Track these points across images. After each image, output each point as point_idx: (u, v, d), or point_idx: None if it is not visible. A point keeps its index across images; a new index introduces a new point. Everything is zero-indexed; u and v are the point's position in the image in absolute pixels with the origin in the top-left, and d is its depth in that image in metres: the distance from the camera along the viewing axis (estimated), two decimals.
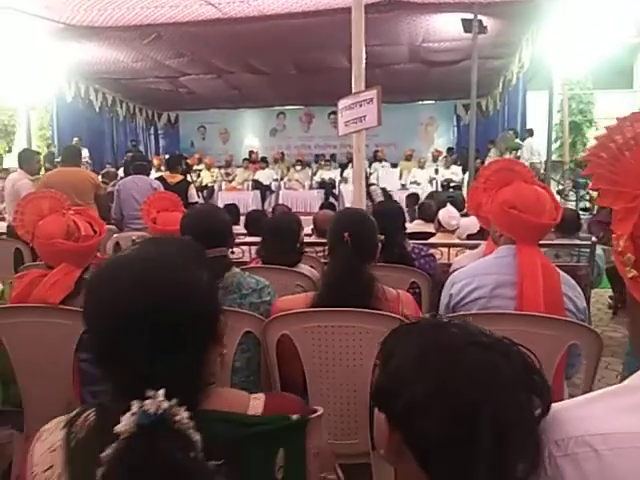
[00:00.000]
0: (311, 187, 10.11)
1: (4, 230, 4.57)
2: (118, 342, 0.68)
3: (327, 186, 9.27)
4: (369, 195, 7.24)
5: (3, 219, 5.96)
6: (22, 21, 6.34)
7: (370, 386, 1.51)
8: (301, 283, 2.26)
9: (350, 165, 9.82)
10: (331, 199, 8.42)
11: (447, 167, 9.66)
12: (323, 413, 0.78)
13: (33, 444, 0.75)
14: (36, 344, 1.63)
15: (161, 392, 0.63)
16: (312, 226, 3.07)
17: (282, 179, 10.50)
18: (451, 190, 8.33)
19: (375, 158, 10.15)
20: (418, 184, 9.10)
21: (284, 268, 2.24)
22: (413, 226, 3.72)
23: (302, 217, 2.57)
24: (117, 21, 6.81)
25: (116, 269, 0.73)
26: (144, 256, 0.74)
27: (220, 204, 9.65)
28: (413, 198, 6.70)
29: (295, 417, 0.73)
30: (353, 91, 3.17)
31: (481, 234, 2.98)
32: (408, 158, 10.26)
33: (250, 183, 10.32)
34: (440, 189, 8.63)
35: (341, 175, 9.96)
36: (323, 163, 10.73)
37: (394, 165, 10.38)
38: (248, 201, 9.56)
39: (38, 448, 0.74)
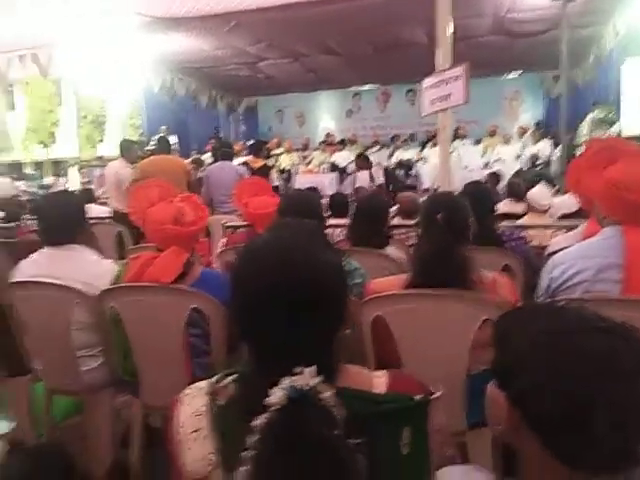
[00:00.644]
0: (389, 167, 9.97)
1: (105, 214, 4.98)
2: (260, 319, 0.74)
3: (405, 167, 9.12)
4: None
5: (104, 204, 6.47)
6: (112, 15, 6.74)
7: (468, 368, 1.52)
8: (388, 265, 2.28)
9: (429, 144, 9.59)
10: (409, 180, 8.29)
11: (535, 143, 9.14)
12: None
13: (177, 407, 0.83)
14: (150, 320, 1.78)
15: (310, 369, 0.68)
16: (397, 207, 3.07)
17: None
18: (539, 168, 7.90)
19: (456, 136, 9.79)
20: (502, 161, 8.70)
21: (372, 251, 2.27)
22: (501, 207, 3.60)
23: None
24: (200, 11, 7.07)
25: (258, 251, 0.78)
26: (281, 239, 0.80)
27: (298, 187, 9.82)
28: (494, 177, 6.45)
29: (419, 397, 0.76)
30: (438, 68, 3.11)
31: (579, 214, 2.83)
32: (492, 134, 9.82)
33: (327, 165, 10.37)
34: (527, 166, 8.20)
35: (419, 155, 9.74)
36: (400, 143, 10.54)
37: (476, 143, 9.98)
38: (325, 183, 9.61)
39: (182, 411, 0.81)
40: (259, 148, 5.64)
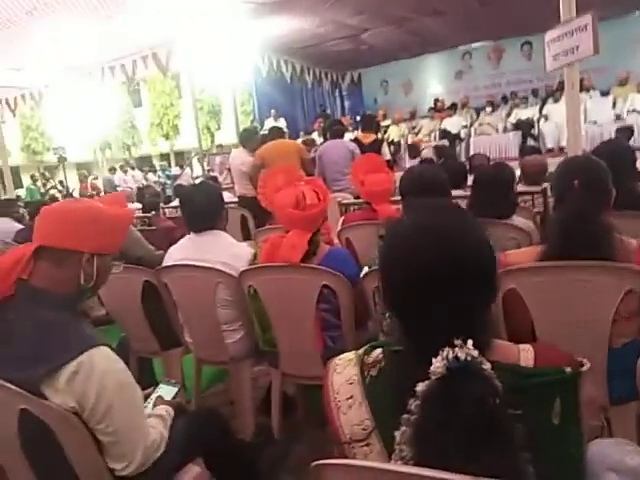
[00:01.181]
0: (505, 130, 9.36)
1: (229, 200, 5.33)
2: (422, 297, 0.77)
3: (524, 127, 8.50)
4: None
5: (225, 189, 6.92)
6: (220, 6, 7.03)
7: (610, 341, 1.44)
8: (515, 235, 2.19)
9: (551, 100, 8.83)
10: (530, 141, 7.73)
11: None
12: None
13: (330, 375, 0.90)
14: (284, 296, 1.91)
15: (469, 342, 0.71)
16: (519, 172, 2.90)
17: (472, 125, 9.94)
18: None
19: (580, 88, 8.87)
20: (638, 112, 7.75)
21: (496, 221, 2.19)
22: None
23: None
24: None
25: (412, 233, 0.81)
26: (431, 219, 0.82)
27: (408, 159, 9.63)
28: (626, 132, 5.80)
29: (569, 370, 0.76)
30: (562, 19, 2.85)
31: None
32: (623, 82, 8.75)
33: (437, 133, 10.03)
34: None
35: (540, 112, 9.00)
36: (518, 101, 9.80)
37: (604, 93, 8.98)
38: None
39: (336, 379, 0.88)
40: (368, 122, 5.61)
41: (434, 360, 0.71)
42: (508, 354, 0.81)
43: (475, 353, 0.71)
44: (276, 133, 5.14)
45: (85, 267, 1.24)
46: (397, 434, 0.75)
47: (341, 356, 0.93)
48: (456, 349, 0.71)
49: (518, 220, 2.25)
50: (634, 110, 7.97)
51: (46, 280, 1.20)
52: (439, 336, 0.73)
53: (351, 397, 0.85)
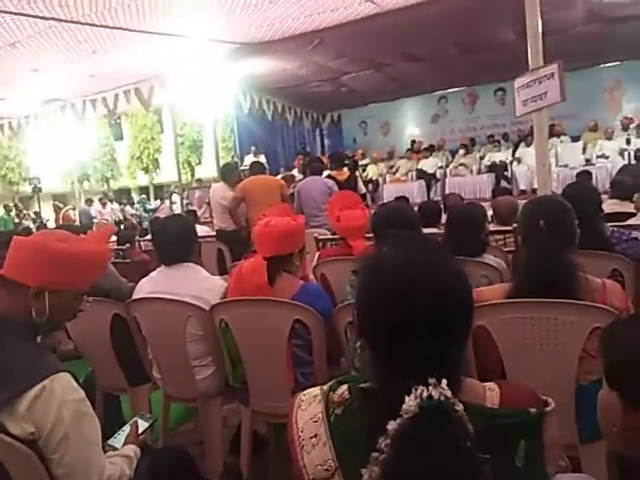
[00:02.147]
0: (480, 172, 9.64)
1: (205, 234, 5.31)
2: (402, 334, 0.74)
3: (498, 169, 8.76)
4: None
5: (204, 223, 6.91)
6: (203, 46, 7.21)
7: (577, 378, 1.45)
8: (486, 273, 2.22)
9: (523, 144, 9.15)
10: (503, 183, 7.95)
11: None
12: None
13: (295, 411, 0.86)
14: (256, 330, 1.89)
15: (444, 381, 0.69)
16: (491, 212, 2.97)
17: (447, 166, 10.23)
18: None
19: (552, 133, 9.24)
20: (606, 158, 8.09)
21: (468, 259, 2.22)
22: (606, 206, 3.35)
23: None
24: (284, 33, 7.36)
25: (394, 269, 0.78)
26: (413, 254, 0.80)
27: (385, 197, 9.81)
28: (585, 176, 6.04)
29: (534, 411, 0.75)
30: (530, 67, 3.00)
31: None
32: (592, 129, 9.15)
33: (414, 173, 10.28)
34: (634, 161, 7.54)
35: (513, 155, 9.32)
36: (492, 146, 10.14)
37: (575, 139, 9.36)
38: (413, 192, 9.53)
39: (300, 416, 0.85)
40: (338, 160, 5.70)
41: (407, 398, 0.69)
42: (474, 394, 0.79)
43: (449, 393, 0.69)
44: (257, 168, 5.21)
45: (32, 301, 1.20)
46: (364, 473, 0.72)
47: (306, 391, 0.89)
48: (430, 387, 0.69)
49: (489, 258, 2.30)
50: (602, 155, 8.31)
51: (4, 307, 1.20)
52: (413, 373, 0.71)
53: (315, 436, 0.82)
